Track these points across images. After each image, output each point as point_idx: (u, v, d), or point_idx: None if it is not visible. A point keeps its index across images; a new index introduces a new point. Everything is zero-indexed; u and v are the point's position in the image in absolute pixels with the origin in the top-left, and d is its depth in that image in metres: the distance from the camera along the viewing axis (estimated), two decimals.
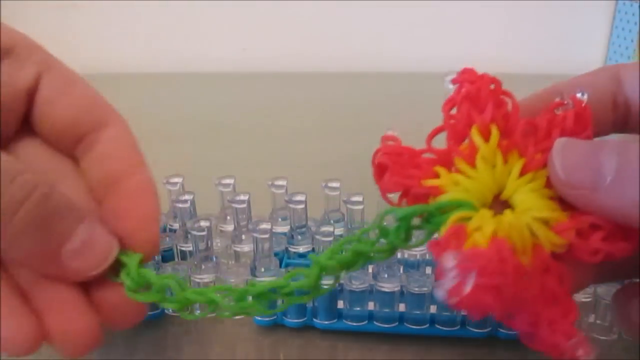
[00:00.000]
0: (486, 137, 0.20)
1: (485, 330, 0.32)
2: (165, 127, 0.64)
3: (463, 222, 0.19)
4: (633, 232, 0.19)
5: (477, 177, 0.20)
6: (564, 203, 0.19)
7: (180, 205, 0.36)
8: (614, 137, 0.23)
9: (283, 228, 0.36)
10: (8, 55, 0.22)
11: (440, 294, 0.17)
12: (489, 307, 0.17)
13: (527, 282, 0.18)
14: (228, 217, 0.38)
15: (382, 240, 0.20)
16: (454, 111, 0.20)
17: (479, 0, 0.87)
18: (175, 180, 0.38)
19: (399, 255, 0.34)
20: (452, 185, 0.20)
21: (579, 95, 0.20)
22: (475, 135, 0.20)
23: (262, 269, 0.32)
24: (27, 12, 0.82)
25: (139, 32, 0.86)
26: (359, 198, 0.34)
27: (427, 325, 0.32)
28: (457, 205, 0.19)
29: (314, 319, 0.33)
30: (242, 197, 0.35)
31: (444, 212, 0.19)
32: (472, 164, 0.20)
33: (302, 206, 0.35)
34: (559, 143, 0.19)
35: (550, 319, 0.18)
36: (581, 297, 0.31)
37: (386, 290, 0.31)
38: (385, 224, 0.20)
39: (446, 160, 0.20)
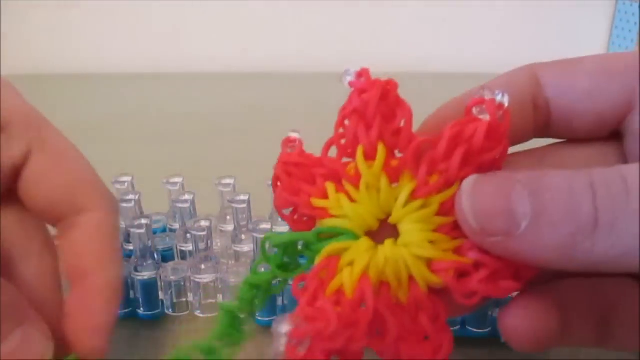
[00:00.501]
0: (373, 156, 0.18)
1: (485, 330, 0.32)
2: (166, 127, 0.64)
3: (338, 252, 0.18)
4: (526, 270, 0.17)
5: (360, 202, 0.18)
6: (457, 229, 0.18)
7: (180, 205, 0.36)
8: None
9: (283, 228, 0.36)
10: (4, 130, 0.22)
11: (273, 354, 0.17)
12: None
13: (401, 317, 0.18)
14: (228, 217, 0.38)
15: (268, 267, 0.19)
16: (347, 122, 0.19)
17: (478, 0, 0.87)
18: (175, 180, 0.38)
19: None
20: (338, 209, 0.18)
21: (498, 97, 0.18)
22: (360, 158, 0.18)
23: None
24: (27, 12, 0.82)
25: (139, 33, 0.86)
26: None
27: None
28: (338, 232, 0.18)
29: None
30: (242, 197, 0.35)
31: (325, 239, 0.18)
32: (358, 186, 0.18)
33: None
34: (468, 183, 0.17)
35: (413, 358, 0.17)
36: None
37: None
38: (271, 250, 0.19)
39: (338, 175, 0.19)
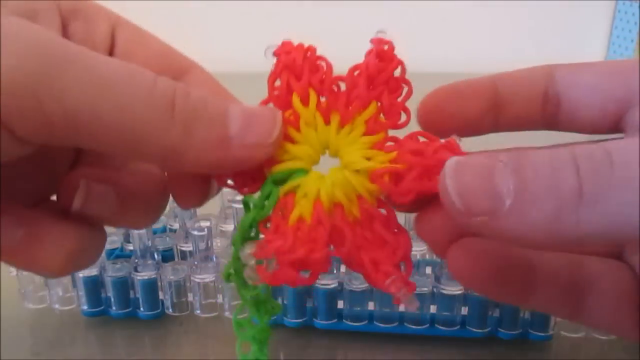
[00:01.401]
0: (306, 102, 0.20)
1: (485, 330, 0.32)
2: None
3: (293, 189, 0.20)
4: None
5: (303, 140, 0.20)
6: (389, 144, 0.20)
7: None
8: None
9: None
10: (75, 16, 0.21)
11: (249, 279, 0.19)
12: (296, 278, 0.18)
13: (360, 230, 0.20)
14: (228, 217, 0.38)
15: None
16: (277, 83, 0.21)
17: (479, 0, 0.87)
18: None
19: None
20: (284, 154, 0.20)
21: (379, 35, 0.21)
22: (296, 102, 0.20)
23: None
24: None
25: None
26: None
27: (427, 325, 0.32)
28: (290, 173, 0.20)
29: (314, 319, 0.33)
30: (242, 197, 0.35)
31: (280, 184, 0.20)
32: (298, 128, 0.20)
33: None
34: (450, 165, 0.17)
35: (374, 260, 0.19)
36: None
37: None
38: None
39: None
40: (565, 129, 0.22)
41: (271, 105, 0.20)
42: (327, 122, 0.20)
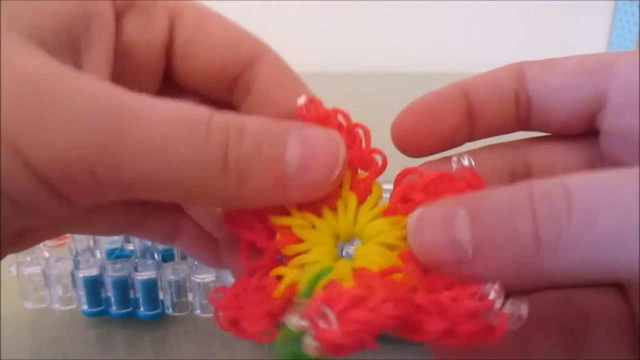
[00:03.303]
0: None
1: None
2: None
3: (326, 282, 0.17)
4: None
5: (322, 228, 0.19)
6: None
7: None
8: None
9: None
10: (130, 10, 0.20)
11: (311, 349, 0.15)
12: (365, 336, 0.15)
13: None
14: None
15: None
16: None
17: (479, 0, 0.87)
18: None
19: None
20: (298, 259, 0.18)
21: (465, 162, 0.19)
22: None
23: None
24: None
25: None
26: None
27: None
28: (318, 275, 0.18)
29: None
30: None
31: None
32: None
33: None
34: (412, 220, 0.17)
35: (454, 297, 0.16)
36: None
37: None
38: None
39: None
40: (540, 130, 0.22)
41: (334, 133, 0.18)
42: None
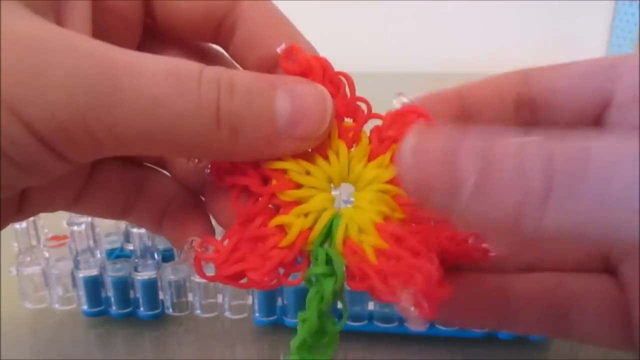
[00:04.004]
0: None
1: (485, 330, 0.32)
2: None
3: (299, 201, 0.19)
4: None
5: (317, 172, 0.19)
6: None
7: None
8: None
9: None
10: None
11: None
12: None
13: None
14: None
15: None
16: None
17: (479, 1, 0.87)
18: None
19: None
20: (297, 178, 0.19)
21: (405, 100, 0.20)
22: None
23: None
24: None
25: None
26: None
27: (427, 325, 0.32)
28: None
29: None
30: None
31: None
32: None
33: None
34: (407, 151, 0.15)
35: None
36: None
37: None
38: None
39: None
40: (544, 126, 0.22)
41: (321, 87, 0.18)
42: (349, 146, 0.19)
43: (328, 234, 0.19)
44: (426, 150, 0.15)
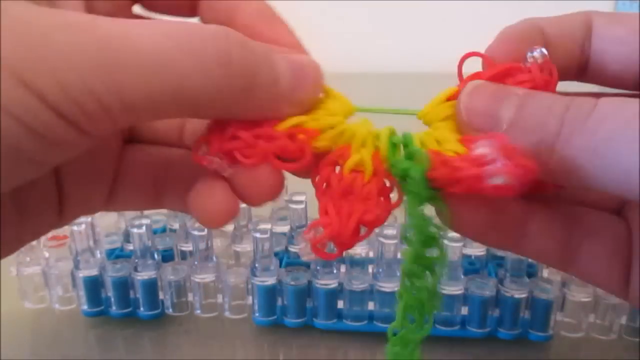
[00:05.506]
0: None
1: (485, 330, 0.32)
2: None
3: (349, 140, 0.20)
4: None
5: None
6: None
7: None
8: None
9: (283, 228, 0.36)
10: None
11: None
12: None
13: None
14: None
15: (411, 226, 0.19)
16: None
17: (479, 0, 0.87)
18: None
19: (398, 255, 0.34)
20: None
21: (537, 55, 0.21)
22: None
23: (262, 269, 0.32)
24: None
25: None
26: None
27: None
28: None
29: (314, 319, 0.33)
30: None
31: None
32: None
33: (303, 206, 0.35)
34: (470, 85, 0.20)
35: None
36: (581, 297, 0.32)
37: (386, 290, 0.31)
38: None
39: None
40: (592, 81, 0.23)
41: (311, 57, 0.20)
42: None
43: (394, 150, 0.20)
44: (482, 88, 0.20)
